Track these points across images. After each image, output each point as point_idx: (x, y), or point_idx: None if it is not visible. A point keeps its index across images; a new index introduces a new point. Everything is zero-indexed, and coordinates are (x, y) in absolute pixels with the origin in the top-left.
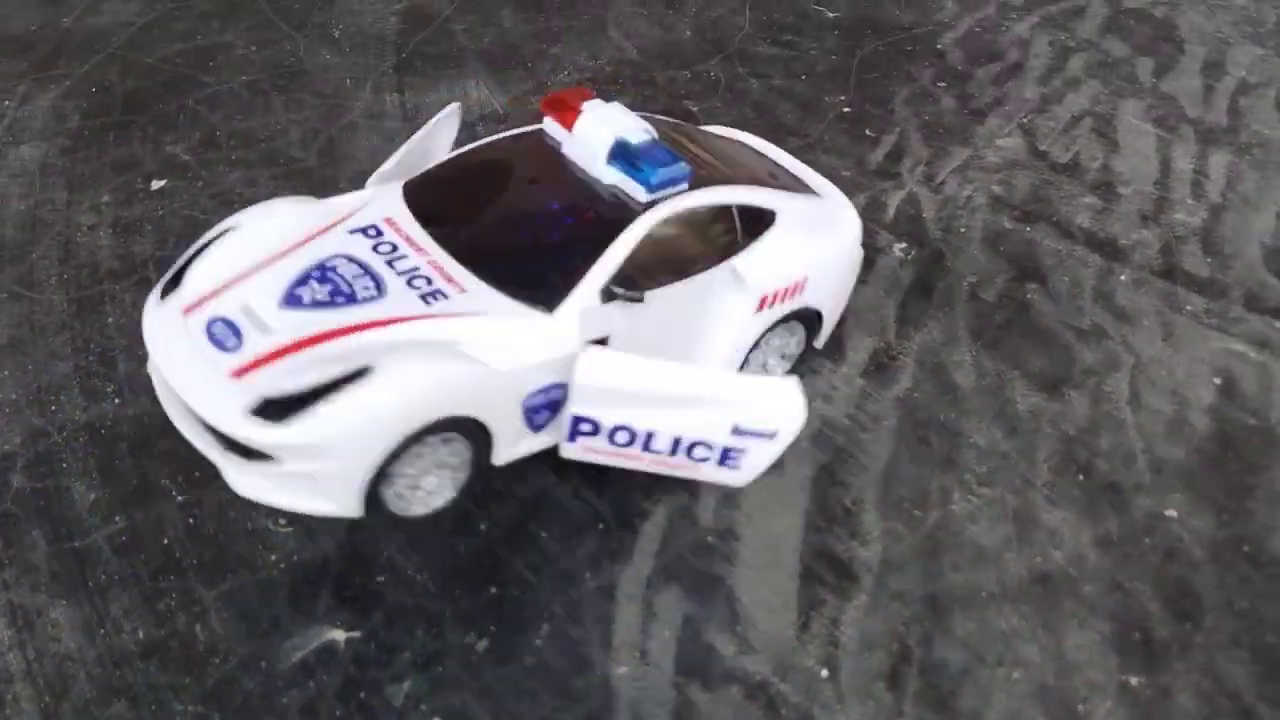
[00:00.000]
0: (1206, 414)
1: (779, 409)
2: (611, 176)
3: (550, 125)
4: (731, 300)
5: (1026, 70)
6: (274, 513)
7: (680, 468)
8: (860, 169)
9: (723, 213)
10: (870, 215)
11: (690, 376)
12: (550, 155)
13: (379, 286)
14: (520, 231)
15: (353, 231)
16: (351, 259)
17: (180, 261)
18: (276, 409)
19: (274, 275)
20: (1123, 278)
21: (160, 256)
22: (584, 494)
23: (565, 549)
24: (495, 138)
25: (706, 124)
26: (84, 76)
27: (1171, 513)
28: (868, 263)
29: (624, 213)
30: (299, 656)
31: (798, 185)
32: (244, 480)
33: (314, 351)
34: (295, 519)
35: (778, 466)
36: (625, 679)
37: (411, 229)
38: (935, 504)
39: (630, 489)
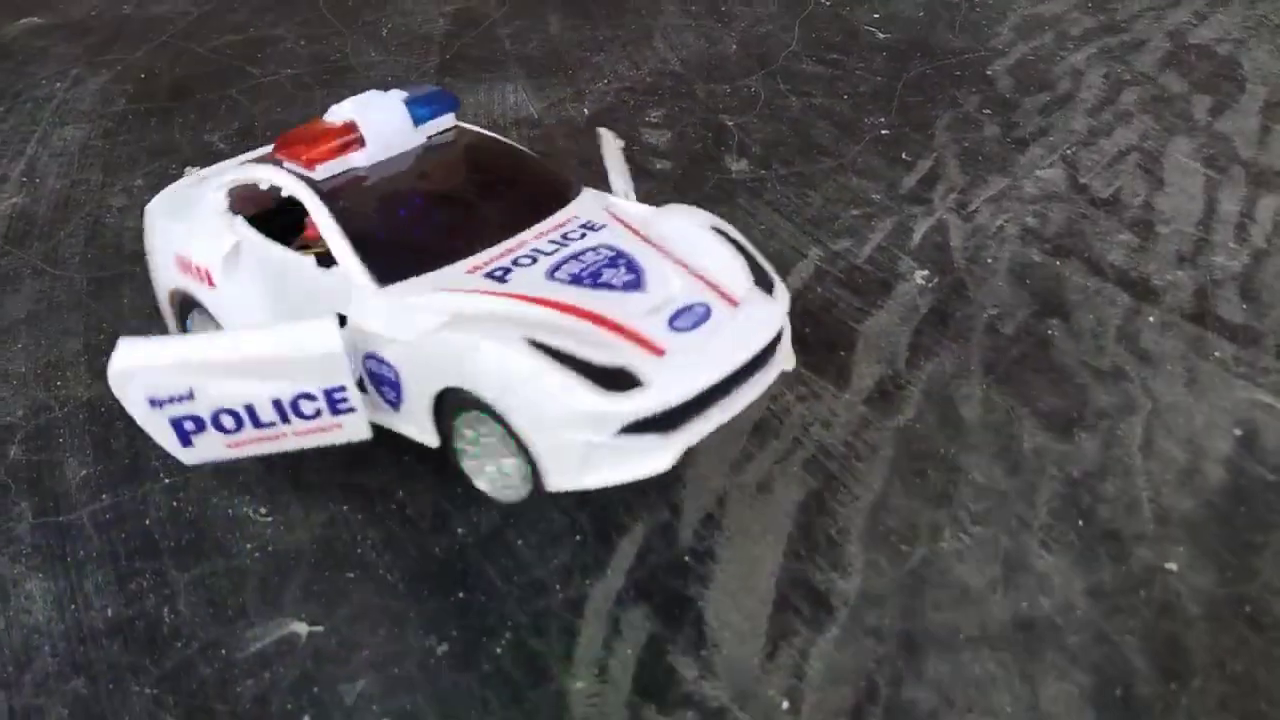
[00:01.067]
0: (1222, 465)
1: (320, 338)
2: (425, 128)
3: (292, 168)
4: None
5: (1077, 101)
6: (254, 501)
7: (310, 434)
8: (891, 193)
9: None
10: (895, 240)
11: (236, 339)
12: (371, 172)
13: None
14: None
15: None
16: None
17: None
18: None
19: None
20: (1150, 319)
21: None
22: (565, 504)
23: (539, 558)
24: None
25: (740, 139)
26: (135, 62)
27: (1172, 566)
28: (884, 288)
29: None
30: (259, 646)
31: None
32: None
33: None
34: (275, 509)
35: (765, 488)
36: (580, 695)
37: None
38: (924, 539)
39: (611, 502)
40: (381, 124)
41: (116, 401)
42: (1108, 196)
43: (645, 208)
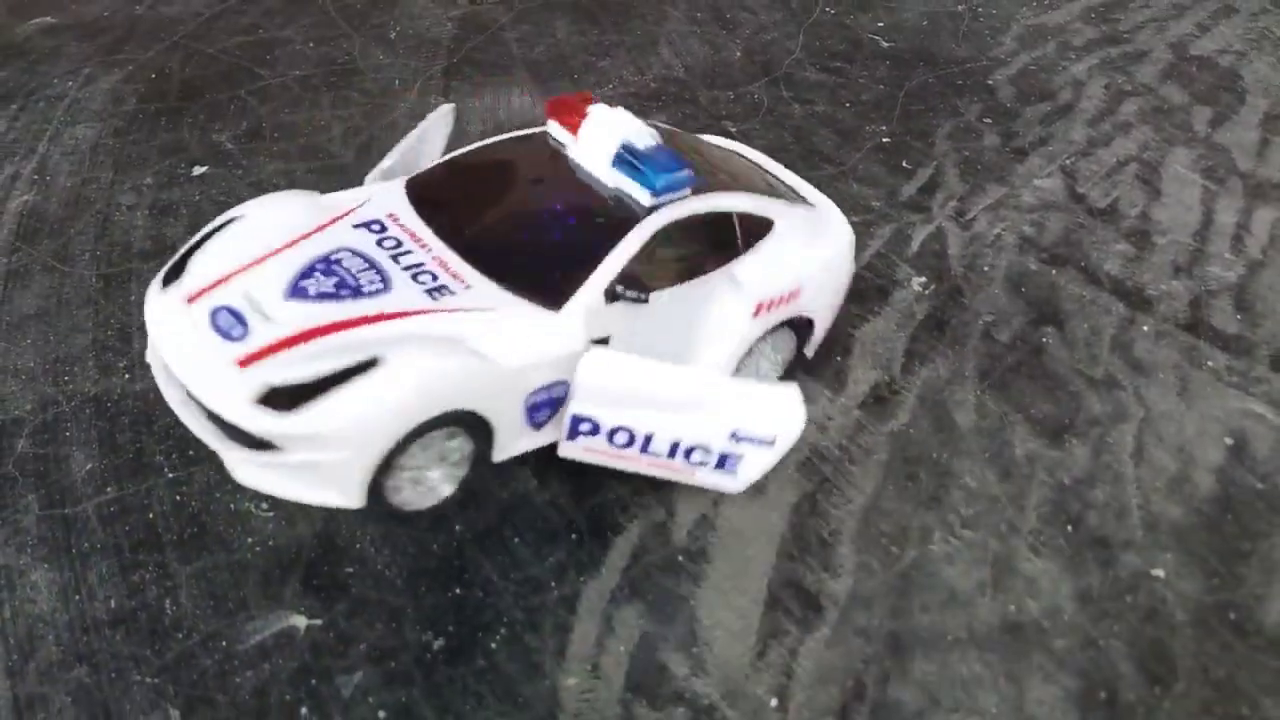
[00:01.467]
0: (1211, 474)
1: (779, 415)
2: (616, 180)
3: (555, 128)
4: (729, 305)
5: (1077, 112)
6: (259, 496)
7: (677, 471)
8: (890, 200)
9: (723, 219)
10: (893, 248)
11: (693, 380)
12: (555, 158)
13: (384, 280)
14: (525, 231)
15: (357, 226)
16: (356, 252)
17: (183, 250)
18: (283, 398)
19: (279, 267)
20: (1145, 328)
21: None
22: (561, 502)
23: (535, 556)
24: (499, 138)
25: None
26: (147, 62)
27: (1159, 573)
28: (881, 294)
29: (629, 215)
30: (259, 639)
31: (793, 196)
32: (245, 470)
33: (321, 342)
34: (277, 504)
35: (760, 490)
36: (573, 691)
37: (415, 225)
38: (914, 542)
39: (608, 501)
40: (593, 136)
41: (122, 398)
42: (1105, 206)
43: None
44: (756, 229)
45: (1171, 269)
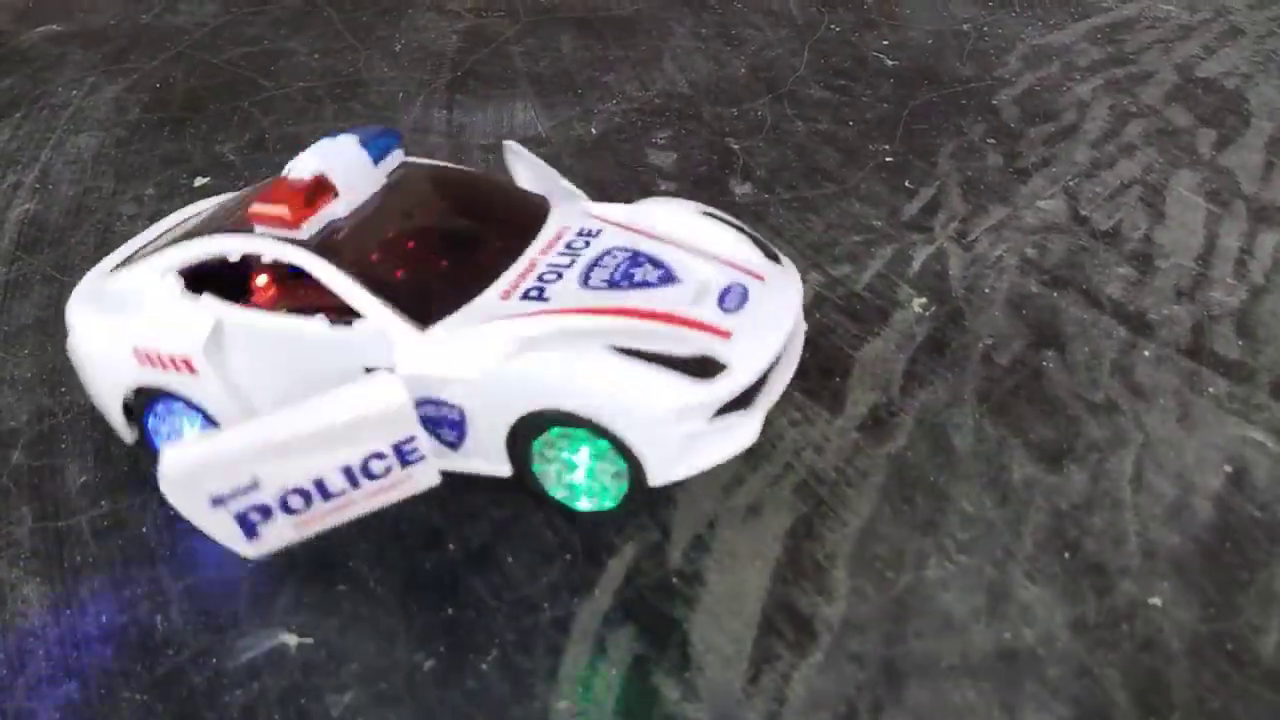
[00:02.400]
0: (1210, 501)
1: (379, 394)
2: (383, 166)
3: (273, 233)
4: None
5: (1081, 133)
6: None
7: (382, 492)
8: (892, 220)
9: None
10: (894, 268)
11: (294, 416)
12: (348, 219)
13: (665, 271)
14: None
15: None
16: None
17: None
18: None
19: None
20: (1146, 353)
21: None
22: (557, 522)
23: (528, 576)
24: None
25: (745, 163)
26: (151, 72)
27: (1155, 601)
28: (882, 315)
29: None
30: (249, 656)
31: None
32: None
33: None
34: None
35: (755, 512)
36: (564, 713)
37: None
38: (909, 567)
39: (602, 522)
40: (349, 169)
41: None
42: (1108, 229)
43: (623, 206)
44: None
45: (1174, 293)
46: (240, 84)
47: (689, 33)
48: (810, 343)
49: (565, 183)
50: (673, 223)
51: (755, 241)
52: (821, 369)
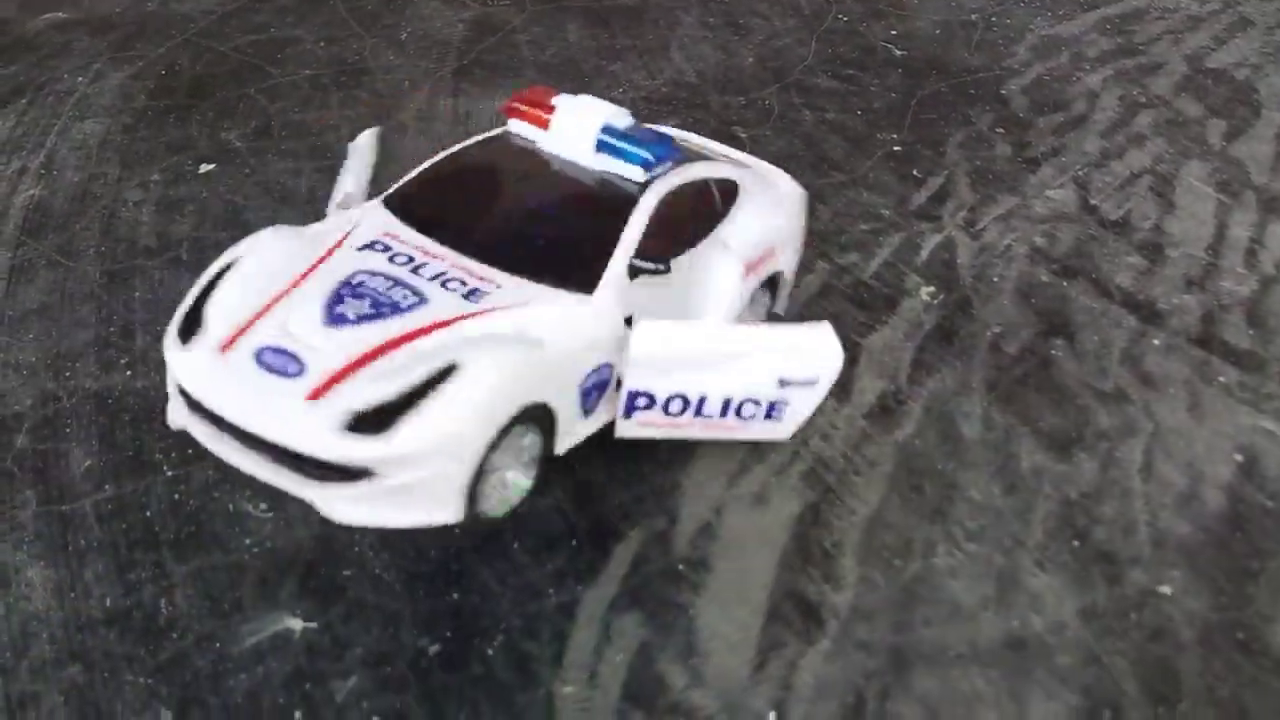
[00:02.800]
0: (1221, 491)
1: (818, 354)
2: (602, 163)
3: (520, 126)
4: (725, 268)
5: (1090, 123)
6: (256, 495)
7: (730, 430)
8: (900, 209)
9: (702, 188)
10: (902, 257)
11: (736, 334)
12: (530, 154)
13: (417, 294)
14: (533, 225)
15: (360, 249)
16: (374, 273)
17: (188, 302)
18: (369, 422)
19: (303, 299)
20: (1156, 342)
21: (196, 238)
22: (562, 508)
23: (534, 562)
24: (464, 144)
25: (752, 152)
26: (157, 59)
27: (1165, 590)
28: (889, 304)
29: (629, 194)
30: (254, 641)
31: (739, 161)
32: (341, 507)
33: (385, 361)
34: (276, 505)
35: (762, 499)
36: (569, 700)
37: (418, 239)
38: (917, 555)
39: (609, 508)
40: (569, 124)
41: (123, 395)
42: (1118, 218)
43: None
44: (726, 195)
45: (1184, 283)
46: (246, 71)
47: (696, 22)
48: None
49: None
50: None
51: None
52: None
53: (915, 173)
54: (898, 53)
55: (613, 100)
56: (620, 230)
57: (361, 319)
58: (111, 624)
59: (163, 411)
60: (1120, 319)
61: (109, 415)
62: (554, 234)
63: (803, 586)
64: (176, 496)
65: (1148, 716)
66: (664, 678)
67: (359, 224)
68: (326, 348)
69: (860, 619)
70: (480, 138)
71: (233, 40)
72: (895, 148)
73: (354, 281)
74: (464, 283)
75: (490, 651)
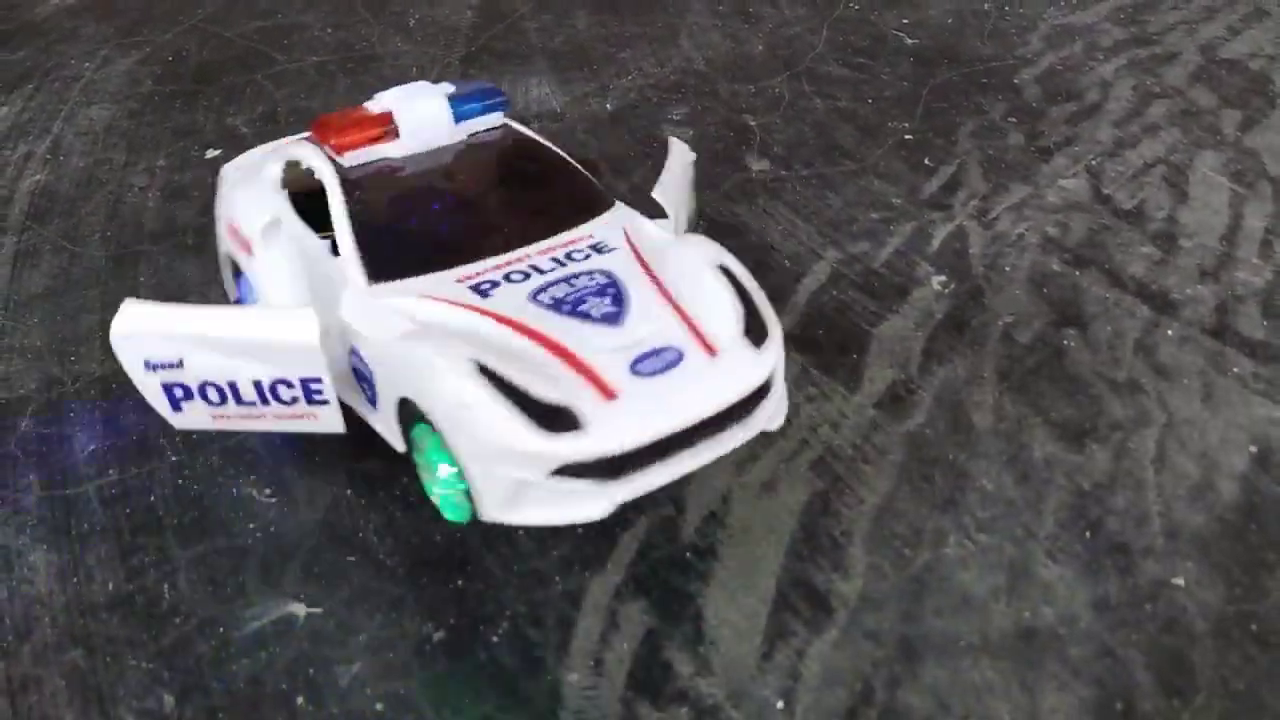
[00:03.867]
0: (1235, 481)
1: (294, 328)
2: (466, 129)
3: (356, 155)
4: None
5: (1103, 113)
6: (260, 481)
7: (289, 418)
8: (912, 197)
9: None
10: (913, 246)
11: (219, 316)
12: (393, 165)
13: (589, 274)
14: (507, 200)
15: (486, 292)
16: (544, 289)
17: (504, 408)
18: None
19: (568, 332)
20: (1169, 332)
21: (201, 224)
22: None
23: (539, 549)
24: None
25: (762, 139)
26: (164, 45)
27: (1179, 581)
28: (900, 292)
29: (519, 133)
30: (256, 625)
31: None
32: (777, 419)
33: (680, 308)
34: (280, 490)
35: (770, 488)
36: (574, 687)
37: (464, 271)
38: (927, 545)
39: None
40: (420, 117)
41: (128, 378)
42: (1131, 208)
43: (666, 235)
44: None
45: (1198, 273)
46: (253, 57)
47: (705, 9)
48: (826, 319)
49: (683, 216)
50: (682, 265)
51: (750, 311)
52: (838, 345)
53: (927, 161)
54: (909, 41)
55: (624, 89)
56: (566, 160)
57: (617, 303)
58: (114, 608)
59: None
60: (1134, 309)
61: (113, 401)
62: (532, 194)
63: (811, 575)
64: (180, 481)
65: (1161, 708)
66: (671, 665)
67: (411, 311)
68: (652, 328)
69: (869, 608)
70: (286, 188)
71: (239, 26)
72: (907, 136)
73: (557, 299)
74: (572, 255)
75: (495, 638)
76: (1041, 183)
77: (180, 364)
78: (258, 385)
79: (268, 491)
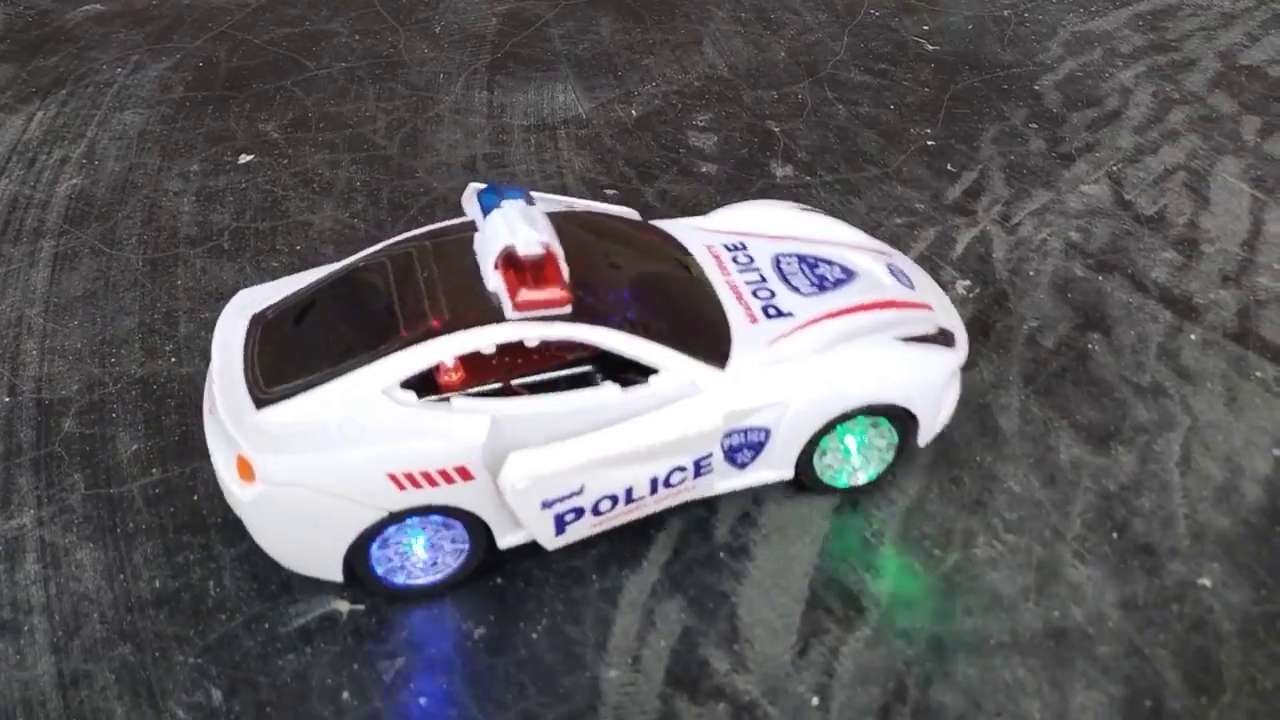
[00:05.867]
0: (1260, 485)
1: (700, 418)
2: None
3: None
4: None
5: (1124, 119)
6: None
7: (670, 497)
8: (935, 203)
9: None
10: (937, 250)
11: (622, 435)
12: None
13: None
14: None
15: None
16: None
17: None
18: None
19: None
20: (1192, 337)
21: (237, 227)
22: None
23: (576, 549)
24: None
25: (786, 145)
26: (194, 51)
27: (1205, 582)
28: None
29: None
30: (301, 622)
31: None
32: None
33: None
34: None
35: (803, 490)
36: (614, 683)
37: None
38: (957, 545)
39: None
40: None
41: (168, 381)
42: (1153, 214)
43: (713, 216)
44: None
45: (1220, 278)
46: (283, 63)
47: (728, 17)
48: None
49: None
50: (782, 221)
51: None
52: None
53: (949, 167)
54: (930, 48)
55: (648, 95)
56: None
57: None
58: (161, 605)
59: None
60: (1156, 314)
61: (154, 401)
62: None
63: (843, 574)
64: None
65: (1189, 707)
66: (707, 662)
67: (788, 343)
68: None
69: (900, 607)
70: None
71: (268, 33)
72: (929, 142)
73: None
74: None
75: (535, 635)
76: (1063, 188)
77: (581, 490)
78: (654, 481)
79: None
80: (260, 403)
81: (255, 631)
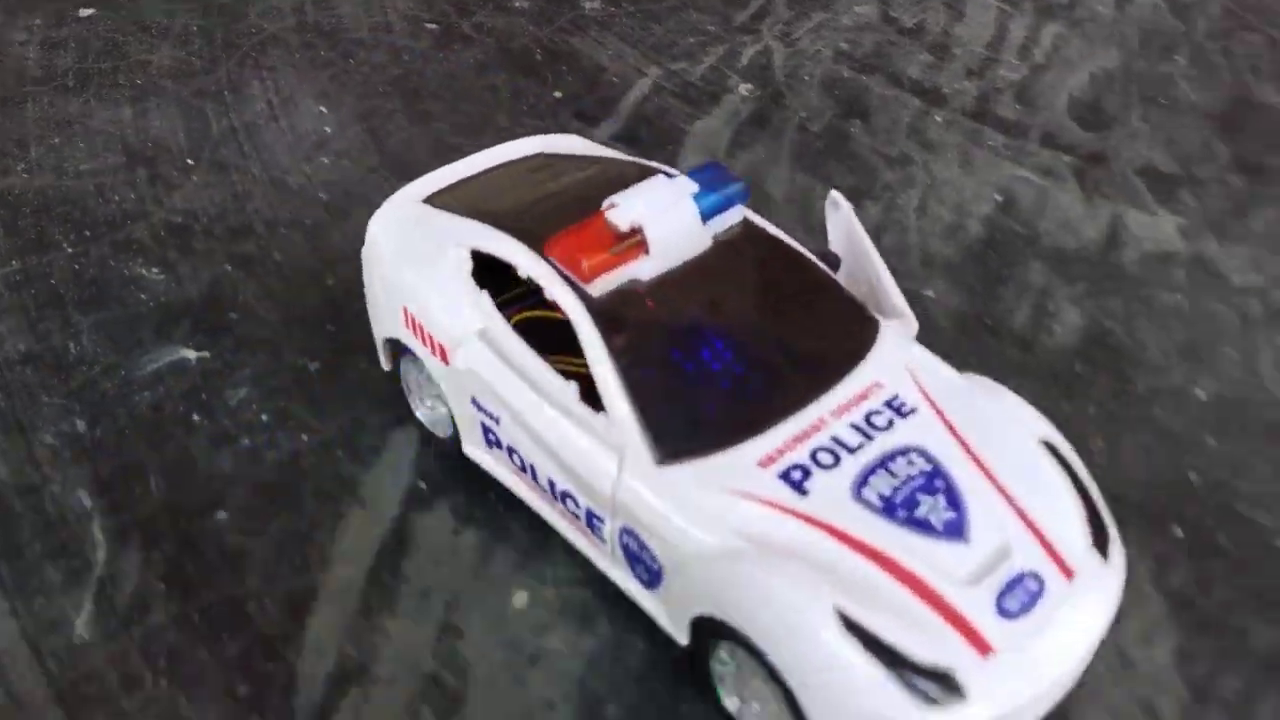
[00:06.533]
0: (981, 222)
1: (597, 471)
2: (714, 227)
3: (603, 281)
4: None
5: None
6: (148, 263)
7: (571, 528)
8: (725, 25)
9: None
10: (726, 63)
11: (542, 415)
12: (652, 288)
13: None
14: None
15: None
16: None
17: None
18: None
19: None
20: (938, 119)
21: (80, 68)
22: None
23: None
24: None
25: None
26: None
27: (929, 293)
28: (713, 99)
29: (772, 237)
30: (154, 368)
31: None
32: None
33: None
34: (167, 268)
35: None
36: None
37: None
38: None
39: None
40: (672, 228)
41: (23, 192)
42: (912, 26)
43: (951, 375)
44: None
45: (965, 72)
46: None
47: None
48: (648, 121)
49: (895, 291)
50: (1002, 442)
51: (1090, 513)
52: (659, 140)
53: None
54: None
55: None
56: (813, 263)
57: (954, 505)
58: (26, 363)
59: (60, 202)
60: (908, 102)
61: (10, 208)
62: (796, 319)
63: None
64: (76, 267)
65: None
66: None
67: (724, 516)
68: (1000, 541)
69: None
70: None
71: None
72: None
73: (885, 497)
74: (873, 421)
75: (364, 365)
76: (838, 9)
77: (498, 422)
78: (551, 484)
79: (155, 270)
80: None
81: (112, 377)
